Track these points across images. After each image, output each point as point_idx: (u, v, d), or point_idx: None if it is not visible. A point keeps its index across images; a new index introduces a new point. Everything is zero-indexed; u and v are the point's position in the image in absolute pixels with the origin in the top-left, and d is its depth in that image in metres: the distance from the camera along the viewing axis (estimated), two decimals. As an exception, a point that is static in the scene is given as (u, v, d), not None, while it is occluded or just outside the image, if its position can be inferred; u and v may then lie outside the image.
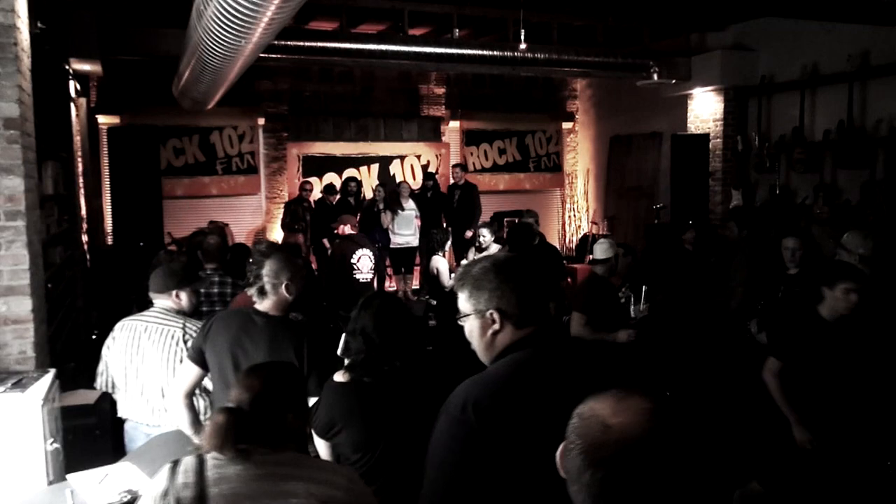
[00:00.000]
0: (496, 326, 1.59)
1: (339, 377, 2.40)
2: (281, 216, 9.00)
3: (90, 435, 3.39)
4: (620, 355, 4.23)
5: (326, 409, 2.37)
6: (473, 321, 1.62)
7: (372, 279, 6.23)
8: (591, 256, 5.78)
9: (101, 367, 3.20)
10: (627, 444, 0.92)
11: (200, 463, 1.61)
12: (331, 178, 9.64)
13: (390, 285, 9.19)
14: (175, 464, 1.64)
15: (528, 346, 1.57)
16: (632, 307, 4.33)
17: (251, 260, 2.79)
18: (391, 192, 8.99)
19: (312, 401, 2.60)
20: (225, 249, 4.74)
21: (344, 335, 2.53)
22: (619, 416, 0.94)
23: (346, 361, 2.50)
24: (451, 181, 9.51)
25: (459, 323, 1.67)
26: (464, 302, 1.64)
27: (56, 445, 2.74)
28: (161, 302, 3.13)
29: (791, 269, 4.40)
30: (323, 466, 1.71)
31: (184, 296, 3.13)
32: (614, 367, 1.73)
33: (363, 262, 6.13)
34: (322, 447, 2.46)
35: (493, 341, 1.60)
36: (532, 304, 1.61)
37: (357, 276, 6.09)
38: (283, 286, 2.71)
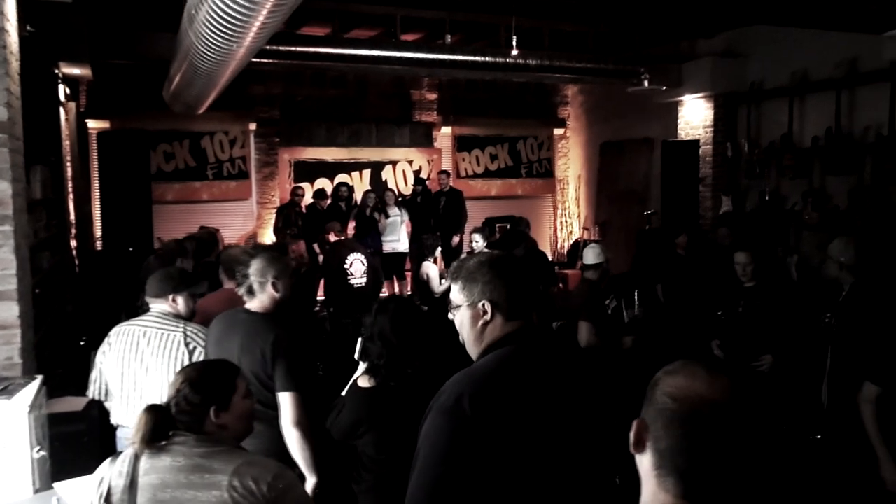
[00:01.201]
0: (487, 317, 1.66)
1: (364, 382, 2.47)
2: (273, 221, 8.98)
3: (78, 442, 3.34)
4: (624, 360, 4.19)
5: (352, 412, 2.43)
6: (465, 312, 1.69)
7: (366, 283, 6.22)
8: (581, 262, 5.80)
9: (94, 375, 3.14)
10: (727, 413, 1.06)
11: (136, 455, 1.74)
12: (322, 183, 9.61)
13: (382, 290, 9.17)
14: (116, 455, 1.80)
15: (515, 342, 1.64)
16: (625, 311, 4.32)
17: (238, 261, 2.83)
18: (379, 197, 9.00)
19: (282, 395, 2.63)
20: (176, 255, 4.68)
21: (361, 340, 2.56)
22: (716, 391, 1.07)
23: (363, 366, 2.54)
24: (438, 188, 9.50)
25: (450, 316, 1.74)
26: (457, 293, 1.72)
27: (43, 453, 2.70)
28: (158, 306, 3.10)
29: (746, 282, 4.29)
30: (253, 462, 1.76)
31: (180, 300, 3.10)
32: (597, 368, 1.81)
33: (356, 267, 6.15)
34: (295, 438, 2.51)
35: (483, 332, 1.67)
36: (521, 299, 1.69)
37: (351, 282, 6.10)
38: (270, 284, 2.77)
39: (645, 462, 1.11)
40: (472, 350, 1.70)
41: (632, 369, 4.11)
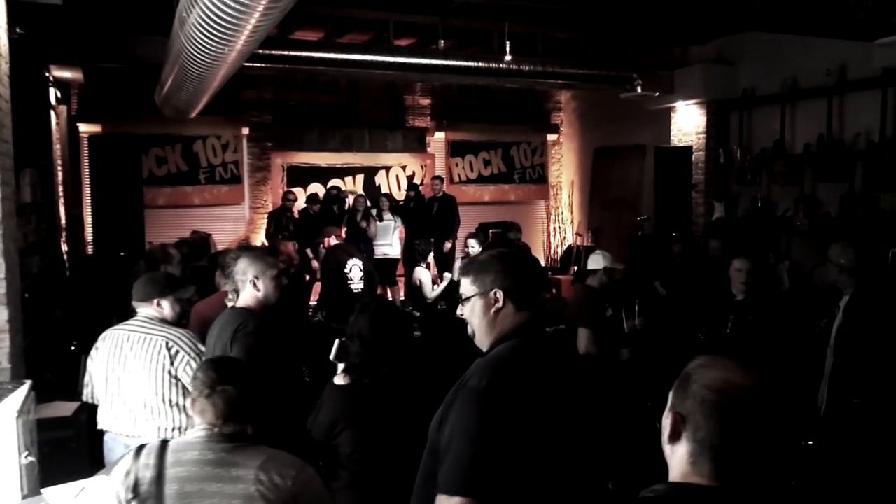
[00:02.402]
0: (499, 305, 1.77)
1: (339, 380, 2.51)
2: (265, 226, 8.94)
3: (67, 448, 3.32)
4: (620, 372, 4.07)
5: (329, 410, 2.46)
6: (476, 301, 1.79)
7: (363, 289, 6.18)
8: (574, 268, 5.78)
9: (86, 379, 3.15)
10: (759, 400, 1.18)
11: (162, 448, 1.82)
12: (315, 188, 9.60)
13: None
14: (140, 448, 1.85)
15: (526, 334, 1.75)
16: (625, 321, 4.19)
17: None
18: (372, 202, 8.99)
19: None
20: (160, 262, 4.65)
21: (338, 341, 2.59)
22: (751, 380, 1.19)
23: (340, 367, 2.57)
24: (432, 193, 9.49)
25: (459, 311, 1.84)
26: (468, 286, 1.82)
27: (31, 459, 2.67)
28: (144, 311, 3.10)
29: (738, 295, 3.97)
30: (276, 457, 1.84)
31: (165, 304, 3.10)
32: (593, 376, 1.91)
33: (355, 273, 6.12)
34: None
35: (496, 319, 1.78)
36: (530, 289, 1.81)
37: (351, 286, 6.07)
38: (250, 283, 2.82)
39: (679, 451, 1.21)
40: (485, 338, 1.79)
41: (627, 382, 4.04)
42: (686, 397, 1.20)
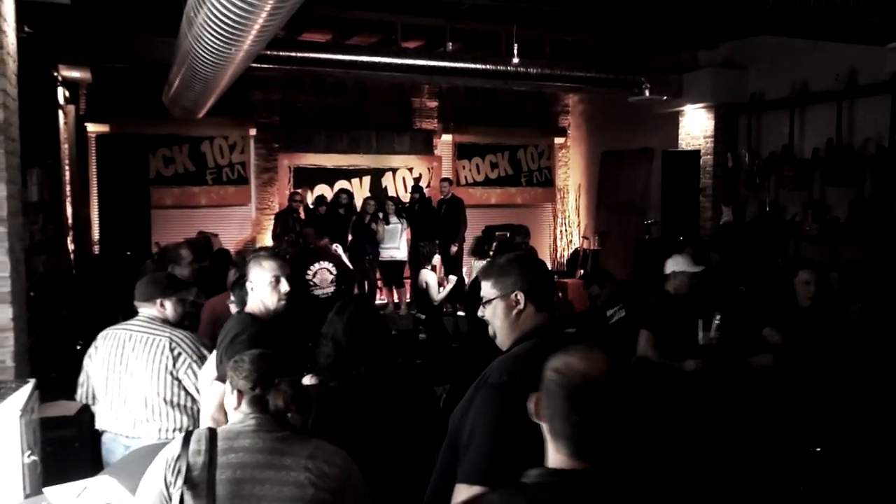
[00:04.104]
0: (520, 306, 1.84)
1: (307, 380, 2.44)
2: (271, 227, 8.96)
3: (69, 447, 3.31)
4: (686, 383, 3.80)
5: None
6: (498, 303, 1.86)
7: (335, 292, 5.71)
8: (581, 271, 5.69)
9: (81, 378, 3.13)
10: (600, 384, 1.27)
11: (212, 435, 1.87)
12: (322, 189, 9.61)
13: (381, 298, 9.15)
14: (188, 434, 1.90)
15: (545, 334, 1.82)
16: (700, 333, 3.86)
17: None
18: (379, 205, 8.99)
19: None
20: (170, 261, 4.64)
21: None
22: (592, 366, 1.28)
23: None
24: (441, 196, 9.47)
25: (481, 312, 1.89)
26: (489, 289, 1.88)
27: (34, 458, 2.66)
28: (146, 311, 3.09)
29: (806, 304, 3.82)
30: (321, 445, 1.90)
31: (168, 305, 3.08)
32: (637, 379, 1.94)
33: (321, 276, 5.70)
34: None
35: (517, 320, 1.84)
36: (548, 291, 1.90)
37: (315, 292, 5.66)
38: (250, 289, 2.82)
39: (544, 428, 1.32)
40: (506, 339, 1.86)
41: (689, 393, 3.72)
42: (543, 379, 1.32)
